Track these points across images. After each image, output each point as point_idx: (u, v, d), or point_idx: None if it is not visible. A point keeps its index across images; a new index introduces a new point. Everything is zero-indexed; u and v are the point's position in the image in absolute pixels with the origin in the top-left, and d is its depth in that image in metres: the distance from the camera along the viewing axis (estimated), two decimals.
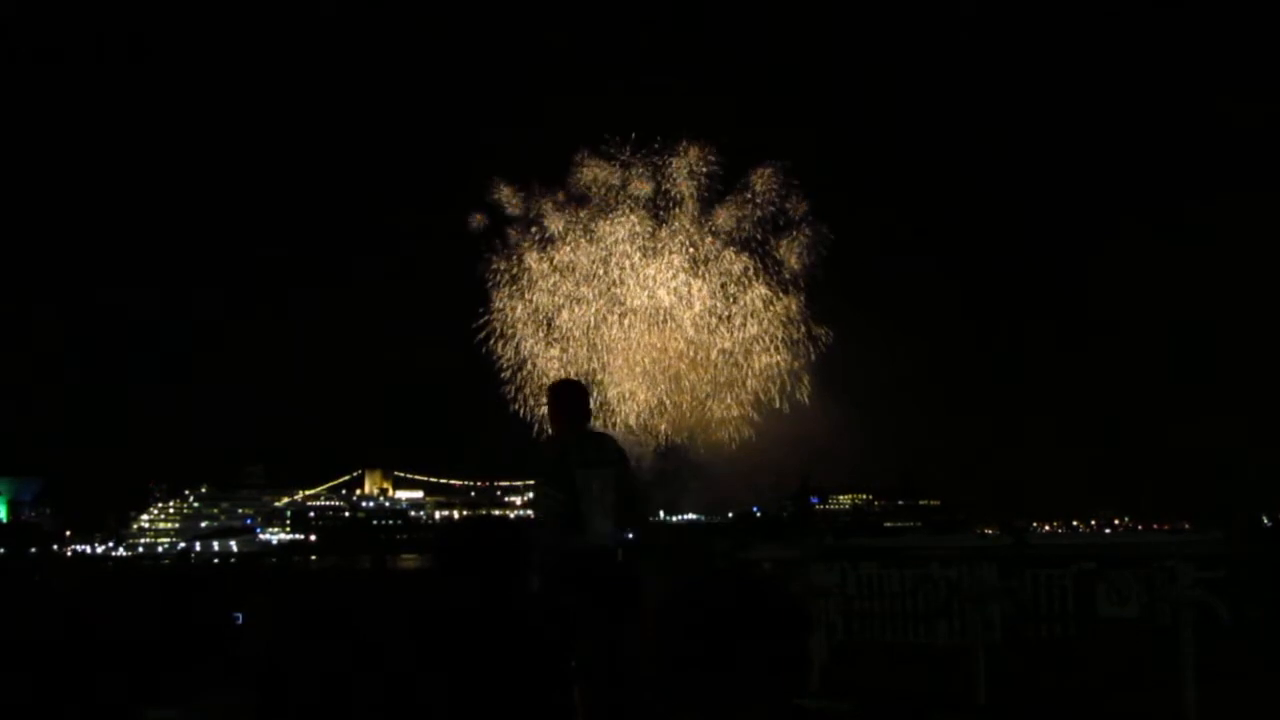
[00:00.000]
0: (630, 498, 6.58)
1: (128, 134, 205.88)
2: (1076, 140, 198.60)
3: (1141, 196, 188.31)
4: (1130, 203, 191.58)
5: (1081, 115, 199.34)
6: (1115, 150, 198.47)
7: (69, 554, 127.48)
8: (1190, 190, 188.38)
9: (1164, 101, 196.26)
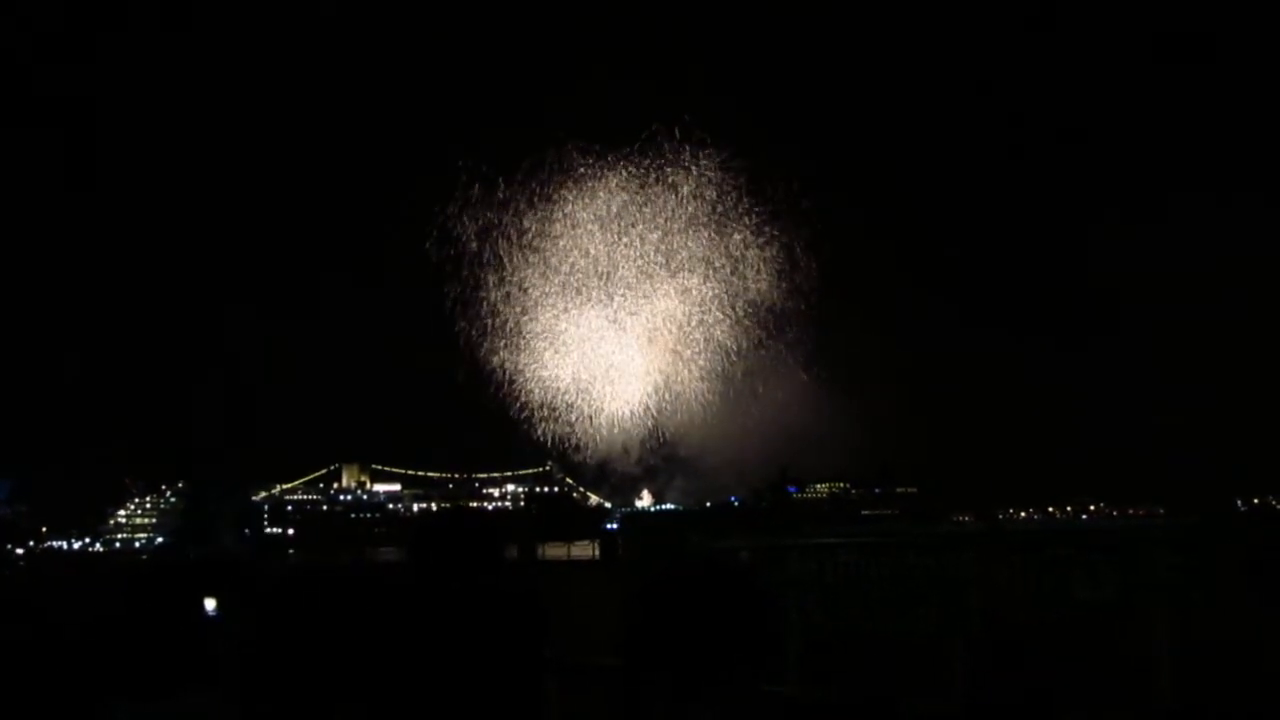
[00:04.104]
0: (248, 517, 7.74)
1: (110, 130, 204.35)
2: (1058, 133, 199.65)
3: (1126, 188, 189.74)
4: (1116, 195, 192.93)
5: (1068, 115, 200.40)
6: (1099, 142, 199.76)
7: (39, 550, 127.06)
8: (1175, 184, 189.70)
9: (1150, 101, 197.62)
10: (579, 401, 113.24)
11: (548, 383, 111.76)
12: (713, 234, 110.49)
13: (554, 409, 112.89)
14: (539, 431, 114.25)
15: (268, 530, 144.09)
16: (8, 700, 5.11)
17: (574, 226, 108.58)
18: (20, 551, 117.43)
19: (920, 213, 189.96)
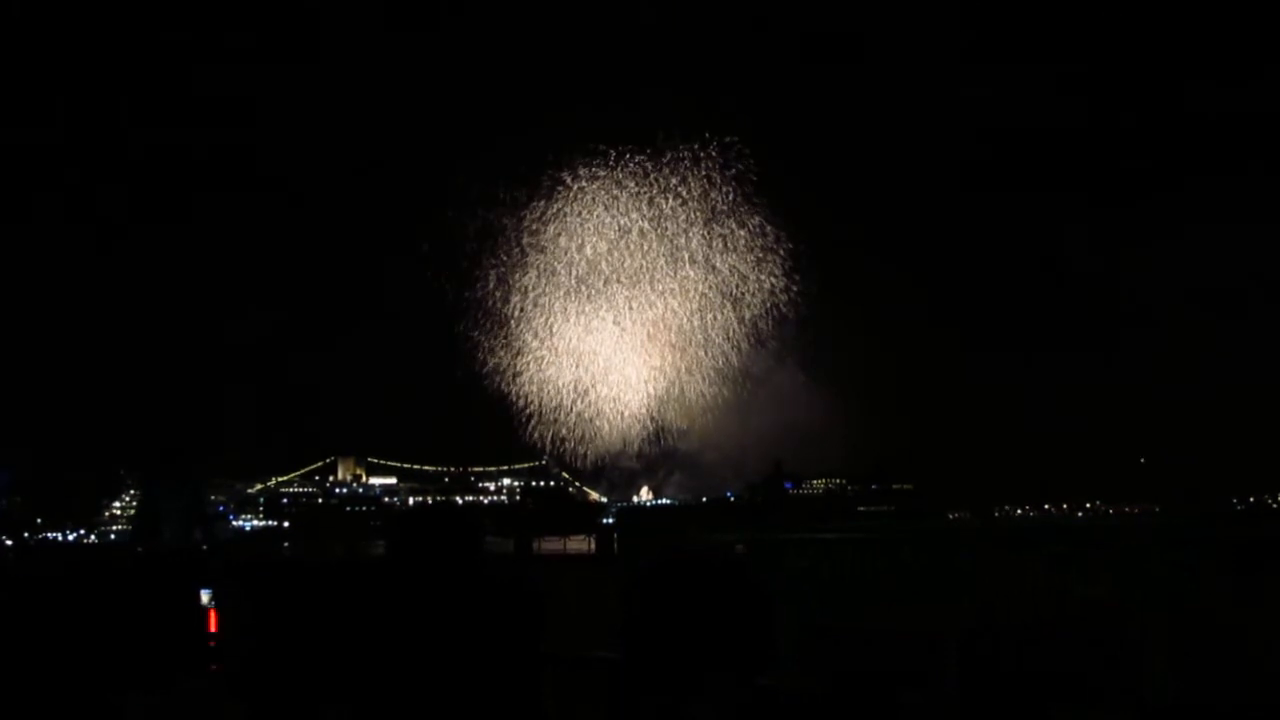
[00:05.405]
0: (200, 514, 8.14)
1: (108, 125, 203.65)
2: (1051, 132, 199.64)
3: (1124, 187, 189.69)
4: (1108, 190, 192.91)
5: (1054, 110, 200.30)
6: (1090, 140, 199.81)
7: (33, 541, 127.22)
8: (1173, 185, 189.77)
9: (1134, 92, 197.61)
10: (578, 403, 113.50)
11: (547, 383, 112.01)
12: (713, 235, 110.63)
13: (553, 409, 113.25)
14: (536, 435, 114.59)
15: (245, 524, 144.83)
16: (20, 691, 5.11)
17: (574, 227, 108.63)
18: (10, 543, 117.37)
19: (920, 213, 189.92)
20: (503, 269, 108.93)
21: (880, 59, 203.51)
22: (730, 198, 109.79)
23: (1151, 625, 8.13)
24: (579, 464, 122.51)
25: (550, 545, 68.01)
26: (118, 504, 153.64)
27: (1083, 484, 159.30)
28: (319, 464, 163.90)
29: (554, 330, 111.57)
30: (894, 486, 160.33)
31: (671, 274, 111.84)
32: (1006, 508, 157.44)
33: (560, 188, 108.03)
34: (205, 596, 5.07)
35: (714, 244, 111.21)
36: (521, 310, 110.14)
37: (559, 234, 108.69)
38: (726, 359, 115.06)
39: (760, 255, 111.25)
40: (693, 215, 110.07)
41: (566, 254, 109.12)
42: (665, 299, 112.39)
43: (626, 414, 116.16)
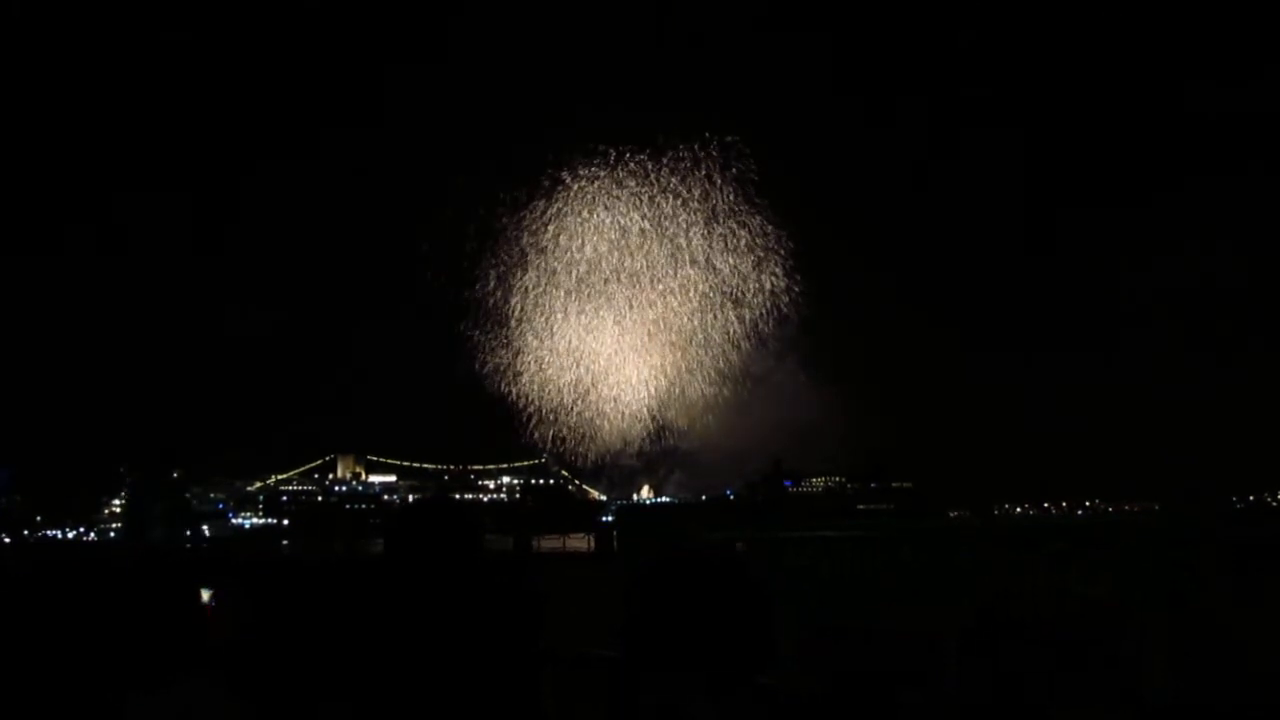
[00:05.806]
0: (183, 515, 8.27)
1: (108, 122, 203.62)
2: (1051, 132, 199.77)
3: (1120, 186, 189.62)
4: (1108, 190, 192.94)
5: (1049, 107, 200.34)
6: (1090, 140, 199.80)
7: (34, 539, 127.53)
8: (1166, 178, 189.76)
9: (1132, 89, 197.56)
10: (578, 403, 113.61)
11: (547, 383, 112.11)
12: (714, 235, 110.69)
13: (554, 409, 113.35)
14: (536, 435, 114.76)
15: (244, 522, 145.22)
16: (18, 690, 5.08)
17: (574, 227, 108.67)
18: (8, 540, 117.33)
19: (920, 213, 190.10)
20: (503, 269, 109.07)
21: (880, 59, 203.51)
22: (731, 198, 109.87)
23: (1151, 625, 8.11)
24: (579, 462, 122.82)
25: (550, 543, 68.01)
26: (117, 502, 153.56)
27: (1083, 483, 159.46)
28: (318, 462, 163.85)
29: (554, 330, 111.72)
30: (894, 485, 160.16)
31: (672, 274, 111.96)
32: (1006, 506, 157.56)
33: (560, 188, 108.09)
34: (205, 595, 5.05)
35: (714, 244, 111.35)
36: (521, 310, 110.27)
37: (559, 234, 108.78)
38: (726, 358, 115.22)
39: (761, 255, 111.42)
40: (693, 215, 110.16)
41: (566, 254, 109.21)
42: (665, 299, 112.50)
43: (627, 413, 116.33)
